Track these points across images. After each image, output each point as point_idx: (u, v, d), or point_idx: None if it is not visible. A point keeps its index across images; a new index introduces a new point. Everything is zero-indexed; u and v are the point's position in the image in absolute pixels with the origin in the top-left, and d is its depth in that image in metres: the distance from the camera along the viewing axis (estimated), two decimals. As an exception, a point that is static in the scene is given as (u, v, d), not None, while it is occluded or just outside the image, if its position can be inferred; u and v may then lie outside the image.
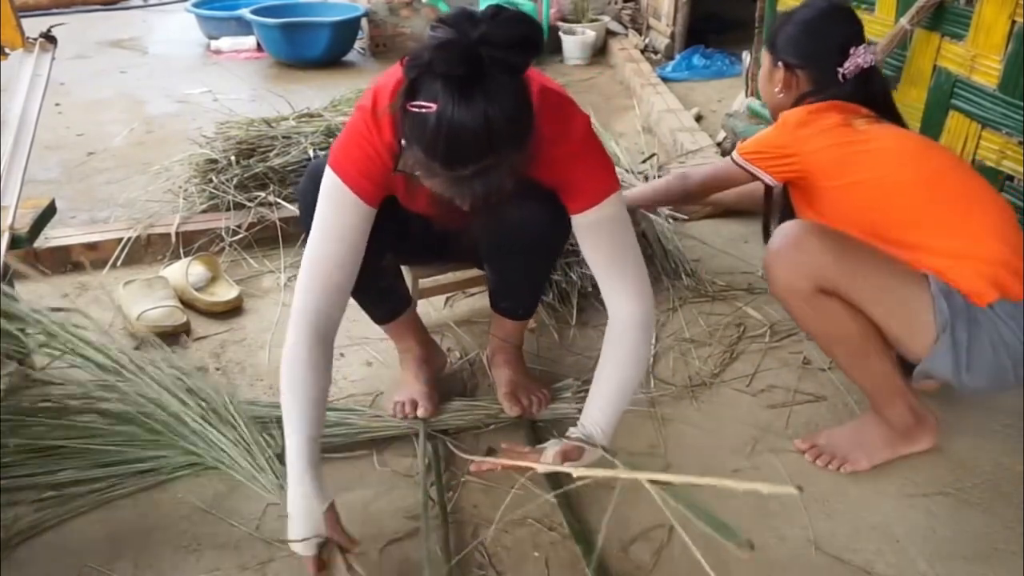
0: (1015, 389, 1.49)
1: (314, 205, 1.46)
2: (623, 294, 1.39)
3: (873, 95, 1.67)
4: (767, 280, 1.52)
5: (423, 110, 1.03)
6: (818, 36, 1.67)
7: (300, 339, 1.30)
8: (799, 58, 1.69)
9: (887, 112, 1.68)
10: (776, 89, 1.74)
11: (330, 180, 1.31)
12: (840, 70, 1.65)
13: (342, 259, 1.32)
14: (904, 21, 2.12)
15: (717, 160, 1.87)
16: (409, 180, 1.20)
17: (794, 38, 1.69)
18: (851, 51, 1.64)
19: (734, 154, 1.72)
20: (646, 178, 2.62)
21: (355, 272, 1.34)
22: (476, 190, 1.10)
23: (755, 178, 1.70)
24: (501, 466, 1.39)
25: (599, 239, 1.37)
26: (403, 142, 1.11)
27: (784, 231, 1.47)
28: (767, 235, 1.87)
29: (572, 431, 1.39)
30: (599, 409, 1.38)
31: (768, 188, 1.80)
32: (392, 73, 1.28)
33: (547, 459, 1.34)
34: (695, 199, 1.98)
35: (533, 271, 1.59)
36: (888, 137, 1.57)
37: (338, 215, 1.31)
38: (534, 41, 1.06)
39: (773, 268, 1.48)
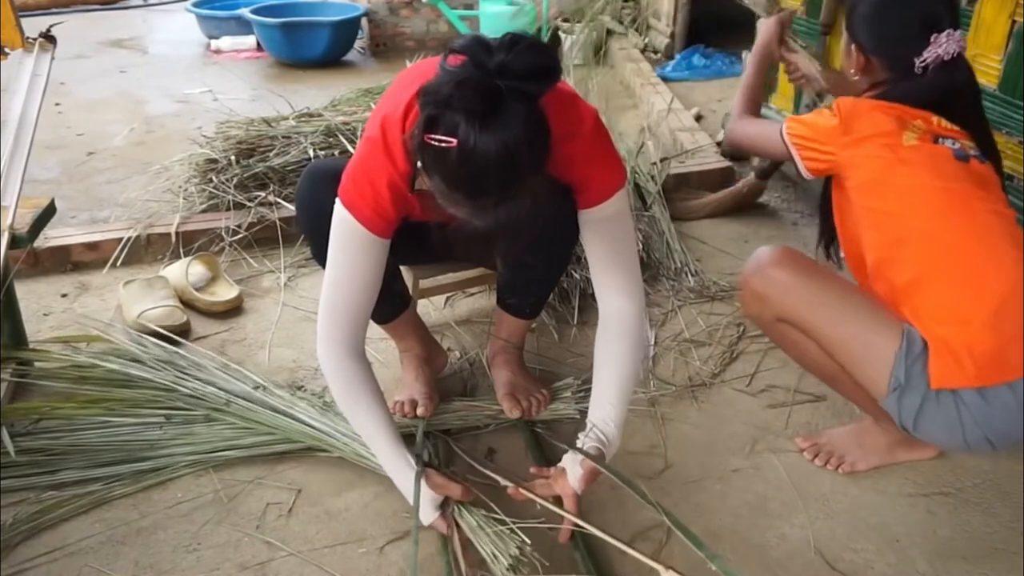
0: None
1: (311, 207, 1.46)
2: (621, 289, 1.40)
3: (958, 92, 1.44)
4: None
5: (444, 144, 1.03)
6: (893, 18, 1.45)
7: (342, 366, 1.35)
8: (871, 42, 1.48)
9: (971, 116, 1.47)
10: (852, 71, 1.54)
11: (344, 218, 1.30)
12: (918, 60, 1.42)
13: (363, 293, 1.34)
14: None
15: (766, 122, 1.68)
16: (425, 198, 1.20)
17: (867, 18, 1.47)
18: (932, 38, 1.41)
19: (783, 126, 1.52)
20: (653, 179, 2.61)
21: (376, 296, 1.37)
22: (499, 216, 1.10)
23: (792, 158, 1.52)
24: (531, 496, 1.35)
25: (604, 234, 1.38)
26: (420, 166, 1.11)
27: (756, 257, 1.47)
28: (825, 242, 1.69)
29: (584, 439, 1.36)
30: (609, 403, 1.38)
31: (825, 191, 1.59)
32: (396, 97, 1.27)
33: (574, 482, 1.32)
34: (738, 145, 1.82)
35: (548, 267, 1.60)
36: (928, 164, 1.37)
37: (354, 253, 1.32)
38: (551, 69, 1.06)
39: (741, 293, 1.52)
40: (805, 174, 1.50)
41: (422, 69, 1.36)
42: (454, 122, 1.01)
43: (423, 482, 1.33)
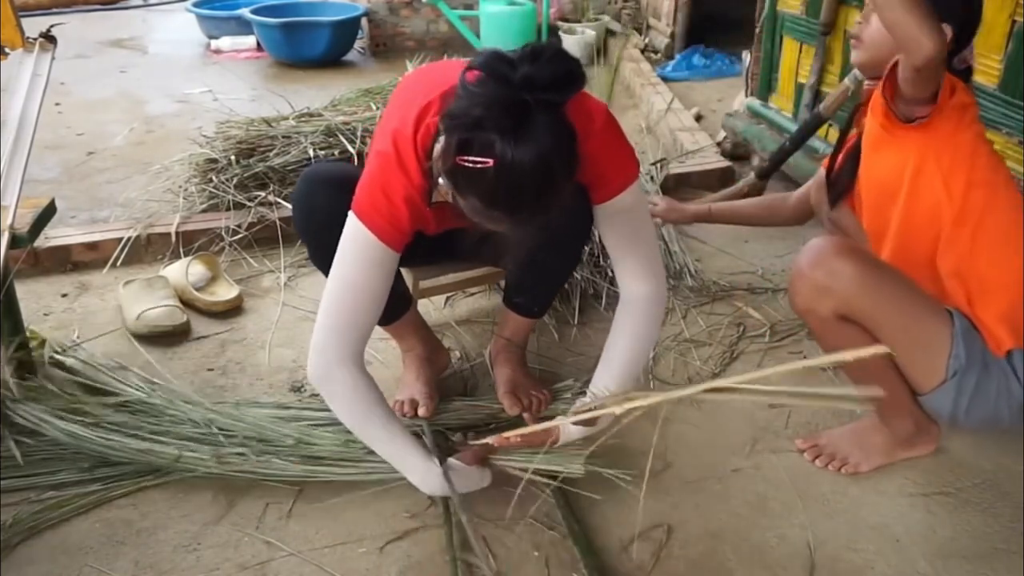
0: (1009, 429, 1.48)
1: (305, 208, 1.47)
2: (637, 274, 1.41)
3: None
4: (789, 293, 1.46)
5: (479, 165, 1.03)
6: (969, 7, 1.46)
7: (348, 378, 1.34)
8: (949, 17, 1.39)
9: None
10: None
11: (357, 229, 1.30)
12: (964, 54, 1.46)
13: (371, 305, 1.34)
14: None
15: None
16: (439, 210, 1.21)
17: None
18: (969, 44, 1.46)
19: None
20: (651, 178, 2.62)
21: (381, 309, 1.36)
22: (535, 225, 1.11)
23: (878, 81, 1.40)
24: (521, 438, 1.38)
25: (621, 225, 1.39)
26: (448, 186, 1.12)
27: (816, 249, 1.39)
28: (831, 191, 1.69)
29: (582, 401, 1.37)
30: (611, 375, 1.39)
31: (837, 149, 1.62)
32: (403, 111, 1.27)
33: (567, 427, 1.35)
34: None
35: (560, 265, 1.60)
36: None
37: (366, 265, 1.31)
38: (576, 76, 1.07)
39: (797, 286, 1.42)
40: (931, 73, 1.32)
41: (425, 78, 1.36)
42: (489, 141, 1.02)
43: (464, 463, 1.40)
